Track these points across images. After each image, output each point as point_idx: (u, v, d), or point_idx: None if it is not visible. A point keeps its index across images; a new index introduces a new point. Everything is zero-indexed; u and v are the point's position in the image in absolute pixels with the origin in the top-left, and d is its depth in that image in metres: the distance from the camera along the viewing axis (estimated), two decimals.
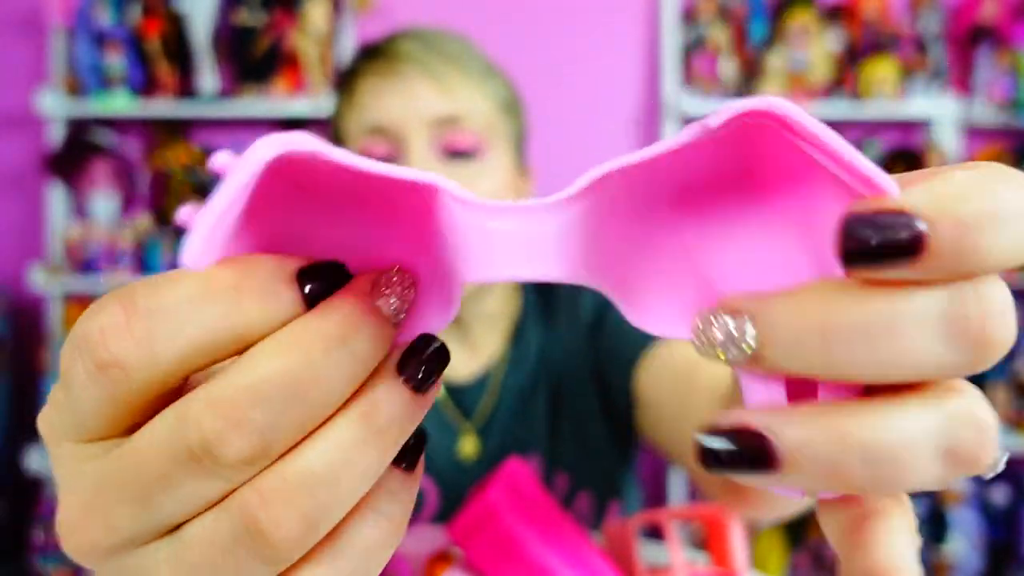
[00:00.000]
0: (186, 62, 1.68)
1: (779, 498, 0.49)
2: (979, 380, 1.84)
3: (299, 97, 1.67)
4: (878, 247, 0.16)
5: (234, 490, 0.17)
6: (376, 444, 0.18)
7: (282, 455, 0.17)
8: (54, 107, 1.63)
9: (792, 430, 0.17)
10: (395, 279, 0.19)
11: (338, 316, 0.18)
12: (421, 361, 0.19)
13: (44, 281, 1.60)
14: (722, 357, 0.18)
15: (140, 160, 1.74)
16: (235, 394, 0.17)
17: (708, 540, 0.51)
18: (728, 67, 1.73)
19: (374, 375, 0.18)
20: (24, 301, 1.74)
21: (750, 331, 0.17)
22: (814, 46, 1.70)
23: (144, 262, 1.64)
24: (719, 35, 1.73)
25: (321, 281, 0.18)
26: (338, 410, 0.18)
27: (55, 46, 1.68)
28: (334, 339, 0.17)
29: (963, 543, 1.70)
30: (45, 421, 0.19)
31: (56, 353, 1.61)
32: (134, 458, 0.17)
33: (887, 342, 0.16)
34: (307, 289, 0.18)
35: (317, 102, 1.65)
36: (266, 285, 0.18)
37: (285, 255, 0.18)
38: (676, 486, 1.73)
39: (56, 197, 1.68)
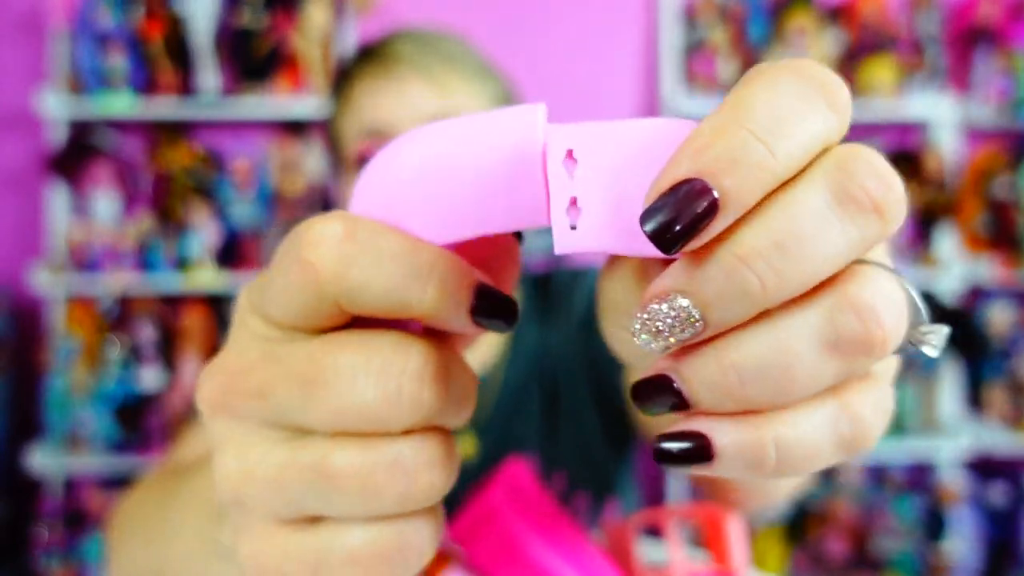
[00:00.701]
0: (187, 63, 1.68)
1: (758, 496, 0.50)
2: (977, 380, 1.84)
3: (300, 98, 1.68)
4: (682, 230, 0.16)
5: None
6: None
7: None
8: (55, 107, 1.63)
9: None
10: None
11: None
12: None
13: (45, 281, 1.60)
14: (676, 340, 0.18)
15: (141, 161, 1.74)
16: None
17: (708, 539, 0.51)
18: (727, 67, 1.74)
19: None
20: (25, 301, 1.75)
21: (686, 304, 0.17)
22: (813, 46, 1.70)
23: (146, 262, 1.65)
24: (718, 35, 1.73)
25: (492, 302, 0.20)
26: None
27: (56, 46, 1.68)
28: None
29: (962, 543, 1.71)
30: (245, 292, 0.22)
31: (57, 353, 1.62)
32: (307, 353, 0.19)
33: (800, 248, 0.17)
34: (478, 304, 0.20)
35: (318, 103, 1.65)
36: (453, 284, 0.20)
37: (472, 266, 0.21)
38: (676, 486, 1.73)
39: (57, 197, 1.69)
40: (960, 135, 1.85)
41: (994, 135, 1.86)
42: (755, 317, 0.17)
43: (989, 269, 1.72)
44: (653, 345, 0.18)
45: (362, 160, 0.68)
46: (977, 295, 1.81)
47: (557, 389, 0.75)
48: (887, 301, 0.18)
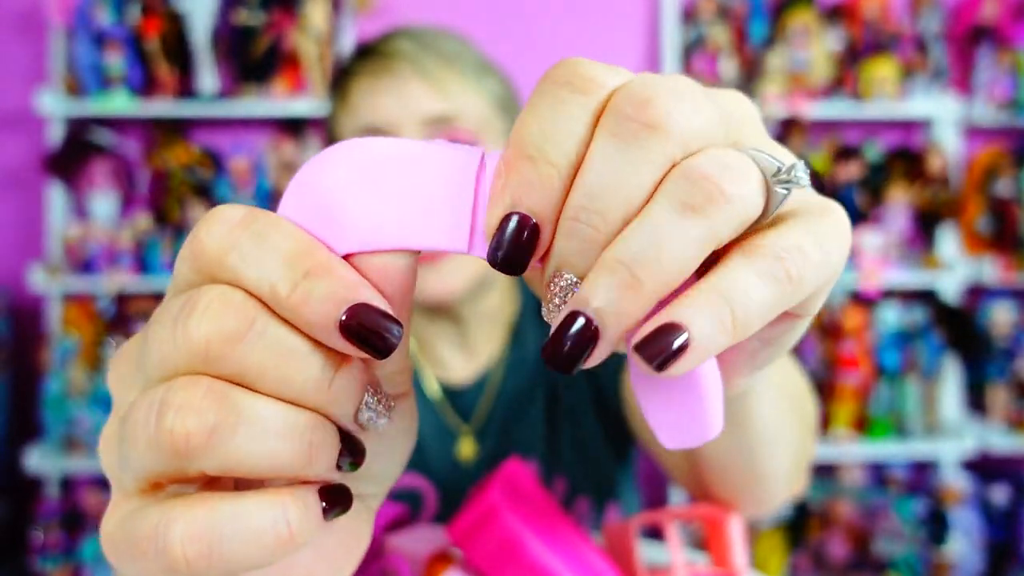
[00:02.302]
0: (185, 62, 1.67)
1: (752, 497, 0.50)
2: (980, 381, 1.83)
3: (299, 97, 1.67)
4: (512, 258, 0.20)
5: None
6: None
7: None
8: (54, 107, 1.63)
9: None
10: None
11: None
12: None
13: (43, 281, 1.60)
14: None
15: (139, 160, 1.74)
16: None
17: (708, 540, 0.51)
18: (728, 67, 1.73)
19: None
20: (24, 301, 1.74)
21: (568, 275, 0.20)
22: (814, 46, 1.70)
23: (144, 262, 1.64)
24: (719, 35, 1.72)
25: (362, 326, 0.20)
26: None
27: (55, 46, 1.68)
28: None
29: (963, 543, 1.70)
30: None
31: (54, 354, 1.61)
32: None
33: (605, 192, 0.20)
34: (347, 321, 0.20)
35: (317, 102, 1.65)
36: (333, 294, 0.20)
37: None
38: (676, 487, 1.73)
39: (56, 197, 1.68)
40: (962, 134, 1.85)
41: (996, 134, 1.86)
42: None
43: (991, 269, 1.71)
44: (559, 316, 0.20)
45: None
46: (979, 295, 1.81)
47: (558, 393, 0.74)
48: (718, 163, 0.20)
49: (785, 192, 0.21)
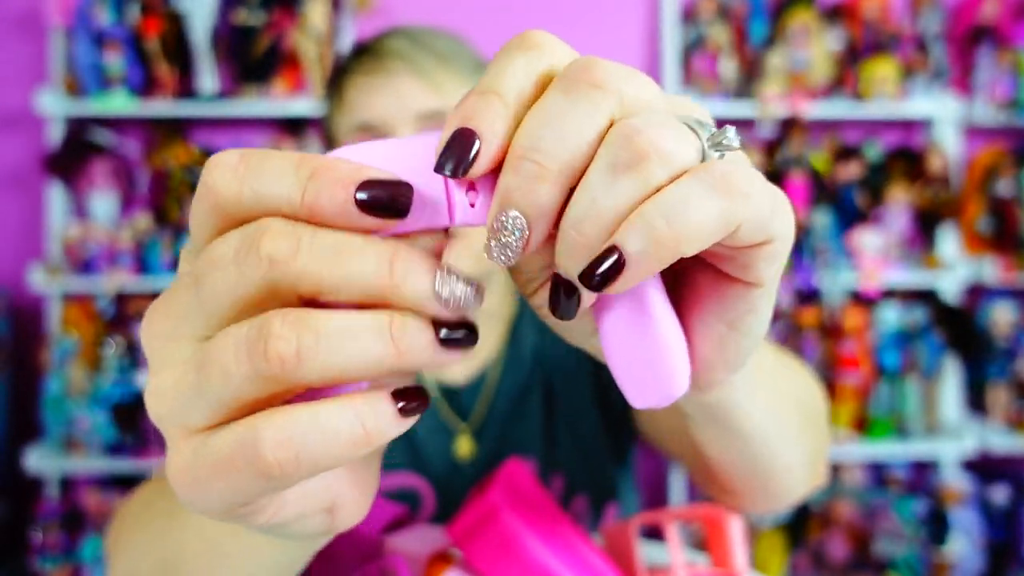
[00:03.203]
0: (185, 61, 1.67)
1: (764, 494, 0.50)
2: (980, 381, 1.83)
3: (298, 97, 1.67)
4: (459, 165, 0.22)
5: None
6: None
7: None
8: (54, 107, 1.63)
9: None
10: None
11: None
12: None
13: (43, 281, 1.60)
14: (514, 241, 0.22)
15: (139, 160, 1.74)
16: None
17: (708, 541, 0.51)
18: (728, 67, 1.73)
19: None
20: (24, 301, 1.74)
21: (513, 212, 0.22)
22: (815, 46, 1.70)
23: (143, 262, 1.64)
24: (719, 35, 1.72)
25: (380, 189, 0.22)
26: None
27: (54, 46, 1.68)
28: None
29: (964, 543, 1.70)
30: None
31: (55, 353, 1.61)
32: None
33: (550, 131, 0.22)
34: (364, 196, 0.22)
35: (316, 102, 1.65)
36: (332, 184, 0.21)
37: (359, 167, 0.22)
38: (676, 487, 1.73)
39: (56, 197, 1.68)
40: (962, 134, 1.85)
41: (996, 134, 1.86)
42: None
43: (991, 269, 1.71)
44: (502, 257, 0.22)
45: None
46: (979, 295, 1.80)
47: (556, 391, 0.74)
48: (653, 123, 0.22)
49: (719, 154, 0.23)
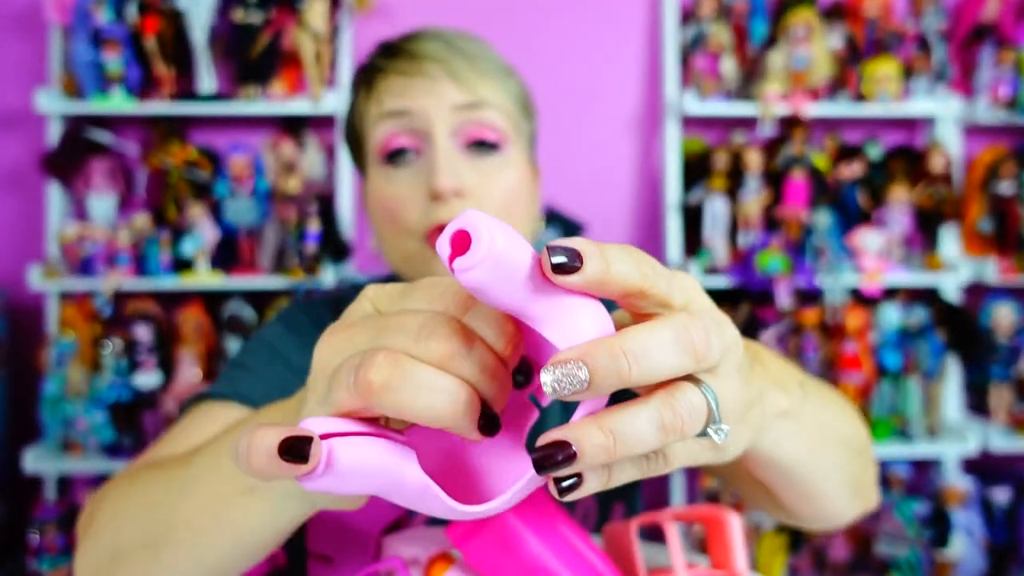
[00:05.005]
0: (184, 61, 1.67)
1: (813, 515, 0.56)
2: (983, 382, 1.82)
3: (298, 96, 1.67)
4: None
5: None
6: None
7: None
8: (52, 106, 1.62)
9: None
10: None
11: None
12: None
13: (41, 281, 1.59)
14: (566, 391, 0.27)
15: (138, 159, 1.73)
16: None
17: (708, 541, 0.50)
18: (729, 66, 1.73)
19: None
20: (22, 301, 1.74)
21: (583, 372, 0.26)
22: (816, 45, 1.69)
23: (142, 262, 1.64)
24: (720, 34, 1.72)
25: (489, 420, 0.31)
26: None
27: (53, 45, 1.68)
28: None
29: (965, 544, 1.70)
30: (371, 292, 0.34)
31: (54, 353, 1.60)
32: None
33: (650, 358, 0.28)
34: (480, 421, 0.30)
35: (316, 101, 1.64)
36: (471, 412, 0.30)
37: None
38: (677, 487, 1.72)
39: (55, 197, 1.68)
40: (963, 134, 1.84)
41: (997, 134, 1.86)
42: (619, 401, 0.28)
43: (992, 269, 1.71)
44: (554, 395, 0.27)
45: (386, 149, 0.69)
46: (980, 295, 1.80)
47: None
48: (694, 410, 0.29)
49: (708, 435, 0.31)
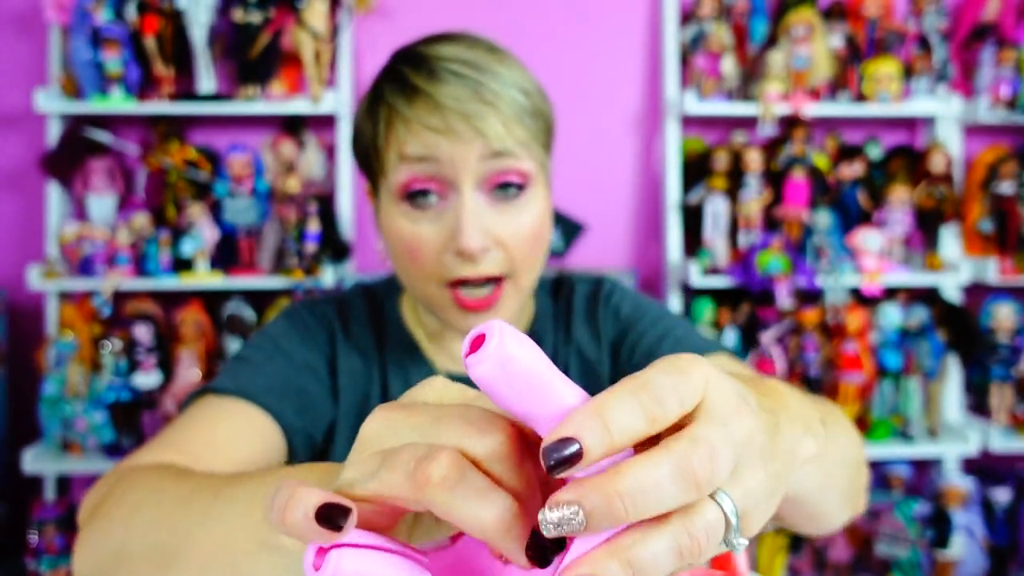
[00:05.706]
0: (184, 60, 1.66)
1: (811, 525, 0.59)
2: (984, 382, 1.81)
3: (297, 96, 1.67)
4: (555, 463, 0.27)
5: None
6: None
7: None
8: (52, 106, 1.62)
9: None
10: None
11: None
12: None
13: (41, 281, 1.59)
14: (564, 531, 0.26)
15: (137, 159, 1.73)
16: None
17: None
18: (730, 66, 1.72)
19: None
20: (22, 301, 1.74)
21: (580, 516, 0.26)
22: (816, 44, 1.69)
23: (142, 262, 1.63)
24: (720, 34, 1.72)
25: (540, 550, 0.30)
26: None
27: (52, 45, 1.67)
28: None
29: (966, 544, 1.69)
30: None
31: (54, 353, 1.60)
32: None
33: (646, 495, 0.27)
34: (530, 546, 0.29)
35: (315, 101, 1.64)
36: (517, 532, 0.29)
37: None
38: None
39: (54, 197, 1.67)
40: (964, 133, 1.84)
41: (998, 133, 1.85)
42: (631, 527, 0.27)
43: (993, 269, 1.70)
44: (552, 531, 0.26)
45: (407, 189, 0.68)
46: (981, 295, 1.79)
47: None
48: (711, 530, 0.28)
49: (726, 546, 0.30)
